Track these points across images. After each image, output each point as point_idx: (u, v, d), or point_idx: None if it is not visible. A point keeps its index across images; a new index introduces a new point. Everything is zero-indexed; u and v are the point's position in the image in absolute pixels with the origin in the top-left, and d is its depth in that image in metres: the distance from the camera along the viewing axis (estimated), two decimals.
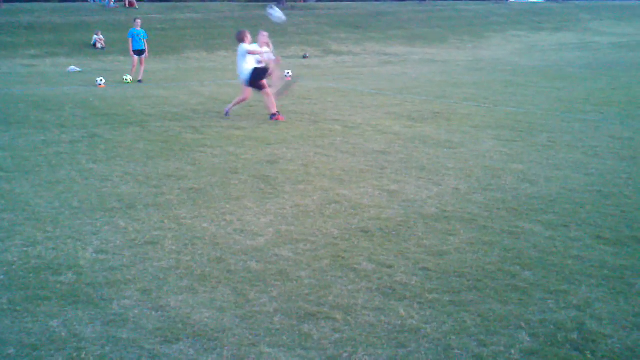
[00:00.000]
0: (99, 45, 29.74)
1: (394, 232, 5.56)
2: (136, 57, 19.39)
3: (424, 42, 36.58)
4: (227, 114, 12.35)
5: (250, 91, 12.00)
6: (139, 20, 19.95)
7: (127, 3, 40.36)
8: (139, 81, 19.15)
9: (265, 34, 12.23)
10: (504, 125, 10.89)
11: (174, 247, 5.20)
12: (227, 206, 6.33)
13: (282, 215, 6.07)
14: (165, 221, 5.86)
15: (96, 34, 30.25)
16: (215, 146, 9.27)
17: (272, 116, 11.78)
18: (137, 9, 39.59)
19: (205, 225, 5.77)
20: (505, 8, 51.07)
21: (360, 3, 53.54)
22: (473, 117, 11.94)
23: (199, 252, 5.11)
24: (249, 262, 4.89)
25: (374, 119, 11.72)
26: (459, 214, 6.05)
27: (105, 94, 16.34)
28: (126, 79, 18.95)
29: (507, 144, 9.28)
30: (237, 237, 5.46)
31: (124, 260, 4.93)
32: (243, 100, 12.30)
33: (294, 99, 14.84)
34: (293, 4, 47.07)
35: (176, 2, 48.80)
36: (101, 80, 18.36)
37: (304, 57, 30.71)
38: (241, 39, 11.68)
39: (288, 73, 20.32)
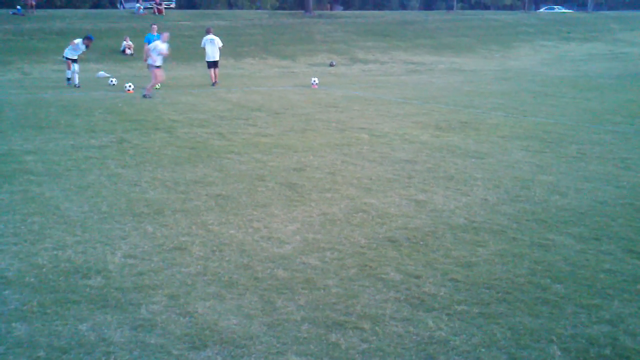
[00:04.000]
0: (128, 52, 30.12)
1: (421, 242, 5.51)
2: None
3: (451, 51, 36.45)
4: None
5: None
6: (155, 26, 20.08)
7: (155, 10, 40.87)
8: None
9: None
10: (532, 136, 10.78)
11: (201, 253, 5.21)
12: (254, 213, 6.34)
13: (309, 223, 6.06)
14: (193, 227, 5.88)
15: (125, 40, 30.65)
16: (242, 153, 9.31)
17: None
18: (164, 16, 40.05)
19: (232, 231, 5.78)
20: (534, 18, 50.71)
21: (386, 12, 53.56)
22: (501, 127, 11.84)
23: (227, 258, 5.11)
24: (276, 270, 4.89)
25: (401, 128, 11.68)
26: (488, 225, 5.98)
27: (134, 99, 16.52)
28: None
29: (536, 155, 9.18)
30: (264, 244, 5.47)
31: (152, 265, 4.95)
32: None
33: (321, 107, 14.86)
34: (320, 12, 47.23)
35: (204, 9, 49.24)
36: (130, 86, 18.57)
37: (331, 65, 30.77)
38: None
39: (314, 81, 20.36)
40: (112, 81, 20.61)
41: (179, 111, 13.98)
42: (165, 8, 42.61)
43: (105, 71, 25.29)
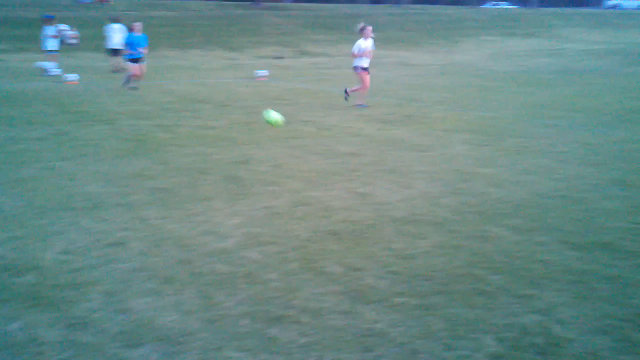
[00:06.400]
0: (72, 41, 29.34)
1: (363, 235, 5.55)
2: (136, 65, 16.63)
3: (398, 46, 36.75)
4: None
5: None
6: (137, 24, 16.75)
7: None
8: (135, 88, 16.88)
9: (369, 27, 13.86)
10: (474, 130, 10.98)
11: (140, 249, 5.12)
12: (196, 207, 6.27)
13: (251, 216, 6.02)
14: (133, 222, 5.78)
15: (69, 30, 29.83)
16: (185, 146, 9.19)
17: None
18: (111, 4, 39.18)
19: (173, 226, 5.70)
20: (479, 13, 51.58)
21: (336, 5, 53.66)
22: (445, 120, 12.01)
23: (166, 253, 5.04)
24: (216, 265, 4.84)
25: (346, 121, 11.73)
26: (429, 217, 6.06)
27: (76, 91, 16.11)
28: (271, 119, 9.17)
29: (477, 148, 9.35)
30: (205, 238, 5.41)
31: (89, 261, 4.84)
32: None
33: (268, 99, 14.79)
34: (269, 4, 47.00)
35: None
36: (71, 77, 18.10)
37: (279, 57, 30.63)
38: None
39: (262, 74, 20.25)
40: (53, 71, 20.06)
41: (122, 103, 13.72)
42: None
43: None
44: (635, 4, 65.67)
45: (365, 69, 13.78)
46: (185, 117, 11.95)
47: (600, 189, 7.14)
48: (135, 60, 16.62)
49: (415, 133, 10.61)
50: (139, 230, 5.55)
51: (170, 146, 9.15)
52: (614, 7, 66.65)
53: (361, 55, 13.68)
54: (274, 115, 9.00)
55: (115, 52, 21.67)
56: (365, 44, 13.68)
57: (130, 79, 16.72)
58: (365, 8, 51.98)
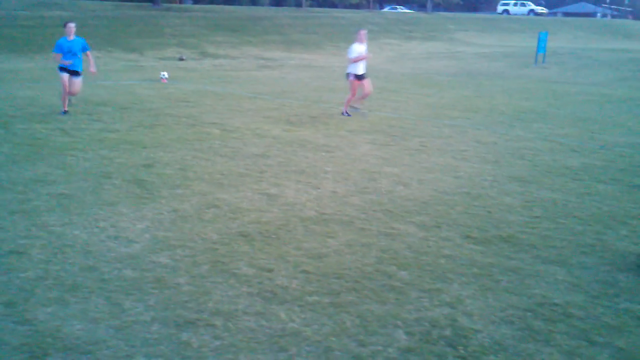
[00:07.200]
0: None
1: (273, 236, 5.56)
2: (66, 75, 11.95)
3: (301, 48, 36.99)
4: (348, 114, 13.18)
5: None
6: (71, 25, 11.94)
7: None
8: (65, 112, 12.20)
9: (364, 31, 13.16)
10: (378, 130, 11.22)
11: (41, 257, 4.90)
12: (100, 212, 6.07)
13: (158, 220, 5.89)
14: (32, 229, 5.52)
15: None
16: (87, 149, 8.86)
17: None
18: None
19: (76, 232, 5.49)
20: (378, 17, 52.74)
21: (237, 7, 53.41)
22: (349, 121, 12.20)
23: (70, 260, 4.85)
24: (123, 270, 4.71)
25: (252, 123, 11.69)
26: (337, 216, 6.15)
27: None
28: None
29: (382, 148, 9.57)
30: (111, 244, 5.24)
31: None
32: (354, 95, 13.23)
33: (171, 101, 14.50)
34: (169, 5, 46.09)
35: None
36: None
37: (181, 59, 30.09)
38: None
39: (164, 75, 19.83)
40: None
41: (16, 106, 13.03)
42: None
43: None
44: (524, 9, 69.16)
45: (358, 77, 12.83)
46: (85, 120, 11.51)
47: (499, 185, 7.49)
48: (66, 70, 12.00)
49: (321, 134, 10.72)
50: (40, 238, 5.31)
51: (71, 150, 8.79)
52: (504, 12, 69.92)
53: (357, 59, 12.77)
54: None
55: None
56: (361, 47, 12.83)
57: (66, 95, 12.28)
58: (267, 10, 51.98)
